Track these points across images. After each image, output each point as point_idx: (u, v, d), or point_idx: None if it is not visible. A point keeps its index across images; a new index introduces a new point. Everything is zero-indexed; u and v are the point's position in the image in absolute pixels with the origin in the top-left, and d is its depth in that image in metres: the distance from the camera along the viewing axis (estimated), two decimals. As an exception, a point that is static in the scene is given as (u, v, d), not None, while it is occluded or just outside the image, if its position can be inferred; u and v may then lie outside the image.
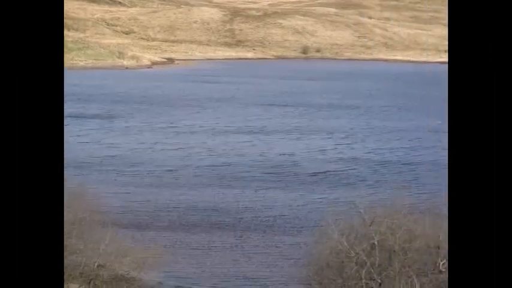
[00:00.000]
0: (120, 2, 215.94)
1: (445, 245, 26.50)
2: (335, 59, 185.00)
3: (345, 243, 27.21)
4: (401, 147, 77.64)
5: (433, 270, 26.58)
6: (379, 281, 26.52)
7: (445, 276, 26.18)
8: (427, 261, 26.93)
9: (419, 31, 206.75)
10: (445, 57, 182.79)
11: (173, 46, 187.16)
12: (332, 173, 65.47)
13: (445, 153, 73.34)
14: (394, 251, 26.66)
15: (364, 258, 26.74)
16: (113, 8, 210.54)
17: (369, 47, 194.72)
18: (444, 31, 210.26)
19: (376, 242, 26.86)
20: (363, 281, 26.47)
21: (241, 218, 52.17)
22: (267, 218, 52.35)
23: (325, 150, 75.52)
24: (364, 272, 26.56)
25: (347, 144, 78.99)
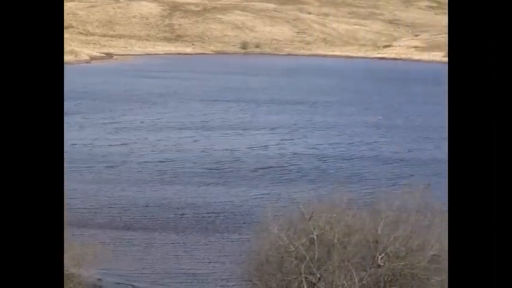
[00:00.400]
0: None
1: (383, 239, 26.99)
2: (275, 54, 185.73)
3: (285, 239, 27.40)
4: (343, 143, 78.39)
5: (372, 264, 26.88)
6: (319, 275, 26.75)
7: (383, 270, 26.63)
8: (366, 256, 27.23)
9: (358, 27, 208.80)
10: (383, 53, 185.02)
11: (112, 41, 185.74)
12: (274, 168, 65.85)
13: (386, 148, 74.42)
14: (333, 245, 26.95)
15: (304, 252, 26.94)
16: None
17: (308, 43, 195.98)
18: (382, 27, 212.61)
19: (315, 237, 27.11)
20: (303, 275, 26.68)
21: (183, 215, 52.16)
22: (208, 214, 52.43)
23: (267, 146, 75.86)
24: (303, 266, 26.76)
25: (289, 139, 79.46)
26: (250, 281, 28.47)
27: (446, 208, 29.87)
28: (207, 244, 47.01)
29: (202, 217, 51.77)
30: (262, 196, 56.72)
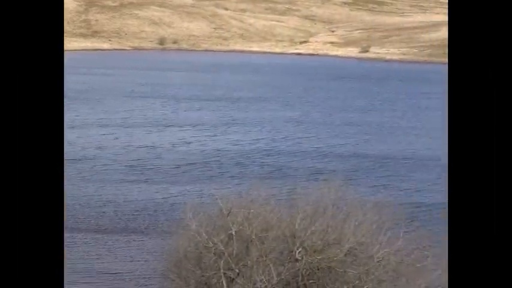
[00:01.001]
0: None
1: (300, 234, 27.53)
2: (192, 50, 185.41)
3: (204, 235, 27.62)
4: (264, 139, 78.97)
5: (289, 258, 27.23)
6: (237, 271, 27.02)
7: (301, 264, 27.14)
8: (284, 250, 27.63)
9: (275, 22, 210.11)
10: (300, 49, 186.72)
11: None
12: (196, 165, 66.03)
13: (308, 144, 74.94)
14: (251, 241, 27.31)
15: (222, 248, 27.15)
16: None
17: (225, 39, 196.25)
18: (298, 22, 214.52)
19: (233, 233, 27.44)
20: (221, 271, 26.92)
21: (104, 212, 51.94)
22: (129, 212, 52.38)
23: (188, 142, 75.97)
24: (222, 262, 26.95)
25: (210, 136, 79.70)
26: (169, 278, 28.64)
27: (362, 202, 30.71)
28: (129, 242, 46.99)
29: (123, 214, 51.68)
30: (184, 193, 56.91)
